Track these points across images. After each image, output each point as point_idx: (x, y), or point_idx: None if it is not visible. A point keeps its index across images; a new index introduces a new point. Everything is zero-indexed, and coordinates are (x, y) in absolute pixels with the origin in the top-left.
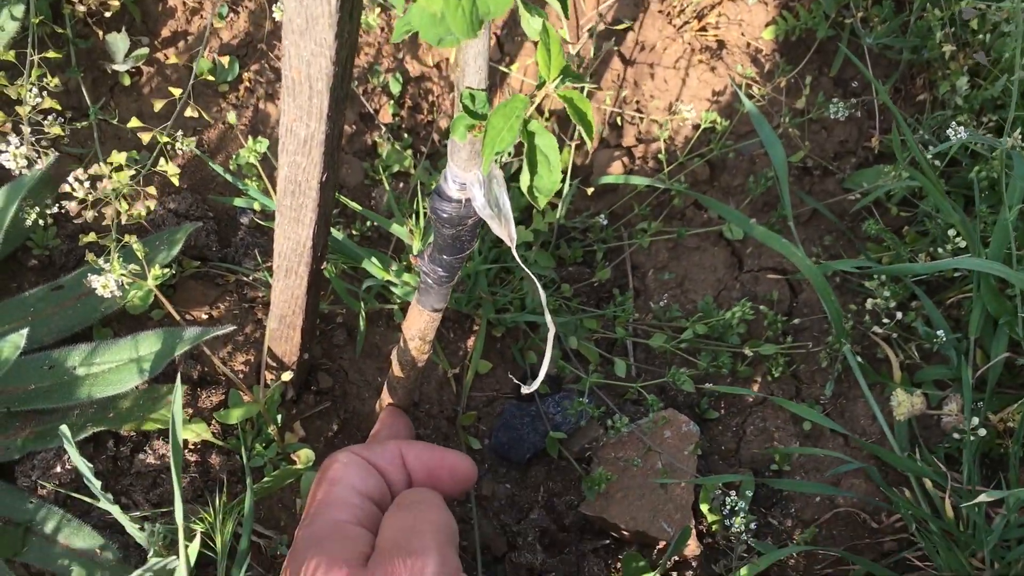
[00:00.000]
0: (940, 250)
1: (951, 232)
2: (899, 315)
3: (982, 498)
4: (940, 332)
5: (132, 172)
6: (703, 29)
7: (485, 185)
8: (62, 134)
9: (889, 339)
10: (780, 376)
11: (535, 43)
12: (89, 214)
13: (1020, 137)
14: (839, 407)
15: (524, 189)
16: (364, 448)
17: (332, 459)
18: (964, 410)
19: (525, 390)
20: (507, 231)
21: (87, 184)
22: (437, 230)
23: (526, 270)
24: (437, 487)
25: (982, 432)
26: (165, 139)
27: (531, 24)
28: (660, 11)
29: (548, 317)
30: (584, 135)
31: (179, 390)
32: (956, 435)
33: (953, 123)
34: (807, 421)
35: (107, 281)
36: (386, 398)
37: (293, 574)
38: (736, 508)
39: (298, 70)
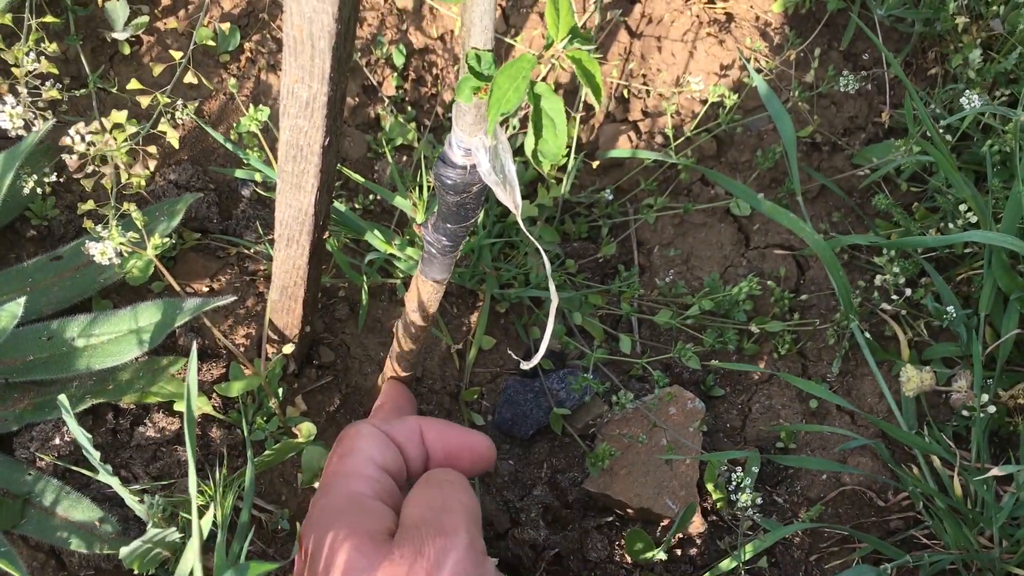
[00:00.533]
0: (951, 225)
1: (962, 207)
2: (908, 292)
3: (994, 472)
4: (950, 308)
5: (132, 131)
6: (711, 2)
7: (490, 151)
8: (59, 97)
9: (897, 316)
10: (786, 353)
11: (540, 14)
12: (89, 170)
13: None
14: (846, 385)
15: (528, 153)
16: (383, 421)
17: (350, 429)
18: (974, 387)
19: (524, 366)
20: (512, 198)
21: (88, 139)
22: (441, 197)
23: (531, 238)
24: (455, 467)
25: (991, 409)
26: (165, 100)
27: None
28: None
29: (552, 287)
30: (592, 98)
31: (194, 358)
32: (965, 412)
33: (967, 91)
34: (814, 399)
35: (106, 249)
36: (388, 373)
37: (314, 544)
38: (742, 484)
39: (300, 28)
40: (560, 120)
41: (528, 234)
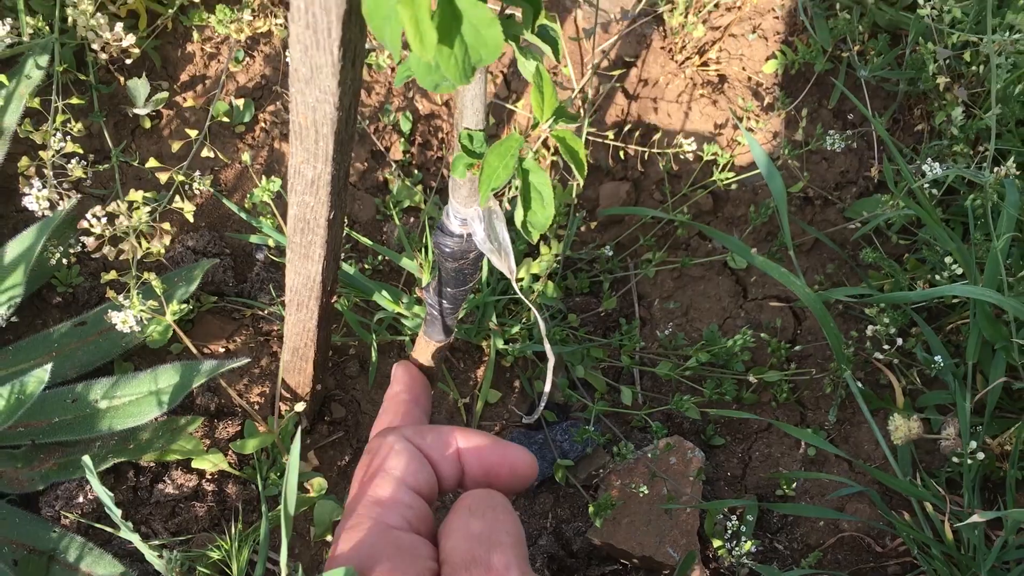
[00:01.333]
0: (938, 277)
1: (948, 260)
2: (899, 341)
3: (974, 518)
4: (938, 358)
5: (148, 209)
6: (704, 64)
7: (485, 220)
8: (84, 176)
9: (891, 365)
10: (784, 402)
11: None
12: (107, 250)
13: (1012, 168)
14: (843, 433)
15: (519, 224)
16: (417, 434)
17: (381, 444)
18: (962, 434)
19: (526, 420)
20: (507, 264)
21: (104, 220)
22: (441, 264)
23: (526, 300)
24: (492, 485)
25: (980, 456)
26: (180, 178)
27: (526, 67)
28: (662, 48)
29: (547, 347)
30: (576, 172)
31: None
32: (955, 459)
33: (928, 160)
34: (812, 447)
35: (127, 317)
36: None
37: None
38: (739, 531)
39: (304, 115)
40: (547, 193)
41: (523, 297)
